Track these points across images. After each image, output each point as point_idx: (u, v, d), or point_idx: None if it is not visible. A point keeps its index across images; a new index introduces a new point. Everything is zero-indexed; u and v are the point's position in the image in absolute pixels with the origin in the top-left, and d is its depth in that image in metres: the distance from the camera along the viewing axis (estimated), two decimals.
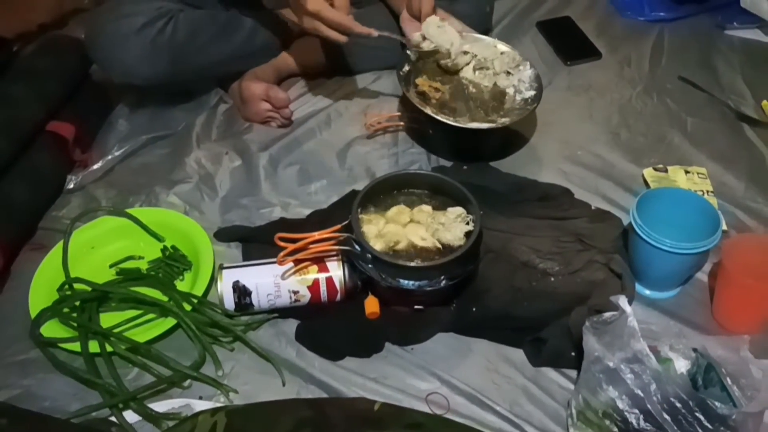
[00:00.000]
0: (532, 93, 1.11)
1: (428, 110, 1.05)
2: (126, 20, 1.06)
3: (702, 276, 0.95)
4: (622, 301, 0.73)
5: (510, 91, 1.13)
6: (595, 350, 0.74)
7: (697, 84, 1.27)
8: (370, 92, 1.27)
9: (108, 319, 0.88)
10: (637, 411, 0.70)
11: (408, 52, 1.14)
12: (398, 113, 1.18)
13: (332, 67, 1.29)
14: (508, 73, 1.14)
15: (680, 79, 1.29)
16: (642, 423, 0.70)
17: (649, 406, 0.69)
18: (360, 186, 1.00)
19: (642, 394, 0.70)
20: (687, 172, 1.07)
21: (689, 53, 1.36)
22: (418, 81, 1.11)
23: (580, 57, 1.36)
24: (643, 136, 1.18)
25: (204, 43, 1.13)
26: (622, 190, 1.07)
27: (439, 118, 1.04)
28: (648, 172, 1.08)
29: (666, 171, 1.08)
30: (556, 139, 1.18)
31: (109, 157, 1.11)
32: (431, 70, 1.14)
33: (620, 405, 0.71)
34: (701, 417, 0.67)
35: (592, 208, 1.04)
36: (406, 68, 1.13)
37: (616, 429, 0.72)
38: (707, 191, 1.04)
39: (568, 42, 1.39)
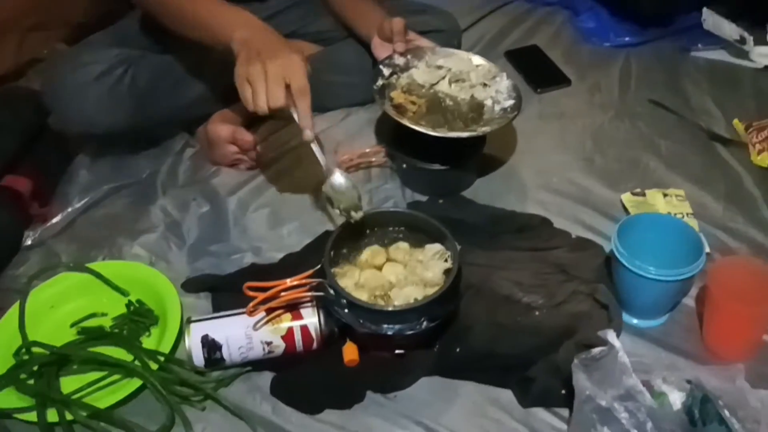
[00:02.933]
0: (511, 102, 1.09)
1: (405, 121, 1.02)
2: (83, 69, 1.03)
3: (689, 301, 0.92)
4: (611, 335, 0.70)
5: (488, 102, 1.10)
6: (586, 389, 0.70)
7: (668, 106, 1.27)
8: (341, 130, 1.25)
9: (69, 384, 0.82)
10: None
11: (381, 67, 1.12)
12: (370, 149, 1.15)
13: None
14: (485, 84, 1.12)
15: (650, 102, 1.29)
16: None
17: None
18: (334, 226, 0.97)
19: None
20: (665, 195, 1.06)
21: (657, 76, 1.37)
22: (393, 94, 1.09)
23: (550, 84, 1.36)
24: (618, 161, 1.17)
25: (166, 88, 1.11)
26: (601, 216, 1.06)
27: (416, 128, 1.01)
28: (626, 197, 1.06)
29: (644, 195, 1.06)
30: (531, 167, 1.16)
31: (70, 209, 1.06)
32: (406, 85, 1.12)
33: None
34: None
35: (573, 236, 1.01)
36: (380, 83, 1.10)
37: None
38: (687, 213, 1.03)
39: (537, 70, 1.39)
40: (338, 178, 0.91)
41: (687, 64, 1.40)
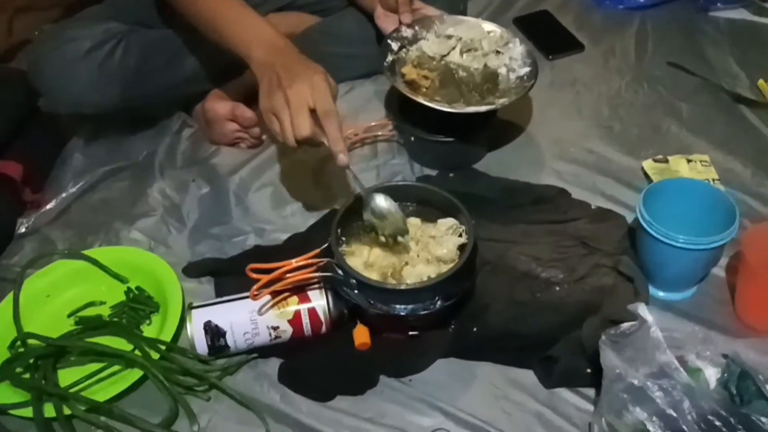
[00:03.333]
0: (527, 69, 1.03)
1: (420, 99, 0.96)
2: (70, 45, 0.98)
3: (719, 271, 0.87)
4: (642, 309, 0.65)
5: (502, 71, 1.04)
6: (615, 367, 0.65)
7: (688, 69, 1.21)
8: (344, 104, 1.19)
9: (67, 376, 0.78)
10: None
11: (389, 41, 1.06)
12: (376, 123, 1.10)
13: None
14: (498, 52, 1.06)
15: (669, 65, 1.23)
16: None
17: (684, 426, 0.61)
18: (340, 204, 0.92)
19: (674, 414, 0.62)
20: (689, 161, 1.00)
21: (675, 39, 1.30)
22: (405, 70, 1.03)
23: (562, 51, 1.29)
24: (638, 127, 1.11)
25: (159, 65, 1.05)
26: (622, 185, 1.00)
27: (432, 105, 0.95)
28: (648, 165, 1.01)
29: (667, 161, 1.01)
30: (545, 137, 1.10)
31: (64, 194, 1.02)
32: (416, 59, 1.05)
33: (651, 428, 0.62)
34: None
35: (592, 207, 0.96)
36: (390, 58, 1.04)
37: None
38: (713, 179, 0.97)
39: (548, 36, 1.32)
40: (380, 202, 0.80)
41: (706, 25, 1.33)
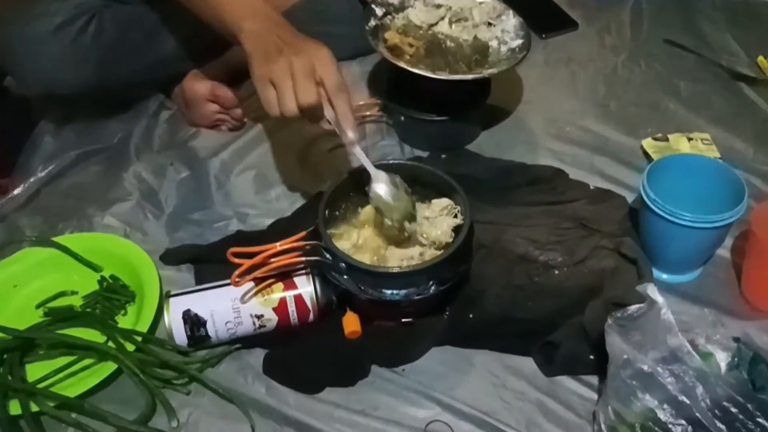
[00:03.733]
0: (519, 42, 0.98)
1: (402, 64, 0.91)
2: (40, 20, 0.91)
3: (723, 252, 0.84)
4: (651, 290, 0.61)
5: (493, 43, 0.99)
6: (623, 352, 0.62)
7: (686, 46, 1.17)
8: None
9: (35, 371, 0.73)
10: (683, 421, 0.58)
11: (372, 6, 1.00)
12: (364, 103, 1.05)
13: None
14: (490, 24, 1.01)
15: (666, 43, 1.19)
16: None
17: (697, 414, 0.57)
18: (327, 187, 0.87)
19: (687, 400, 0.58)
20: (690, 139, 0.97)
21: (671, 16, 1.27)
22: (388, 35, 0.98)
23: (556, 29, 1.25)
24: (635, 106, 1.07)
25: (136, 43, 0.99)
26: (621, 165, 0.96)
27: (415, 71, 0.90)
28: (647, 143, 0.97)
29: (667, 140, 0.97)
30: (540, 116, 1.06)
31: (33, 179, 0.95)
32: (401, 27, 1.00)
33: (662, 416, 0.59)
34: (765, 422, 0.55)
35: (591, 188, 0.93)
36: (372, 23, 0.99)
37: None
38: (714, 158, 0.93)
39: (540, 14, 1.27)
40: (387, 185, 0.74)
41: (702, 2, 1.29)
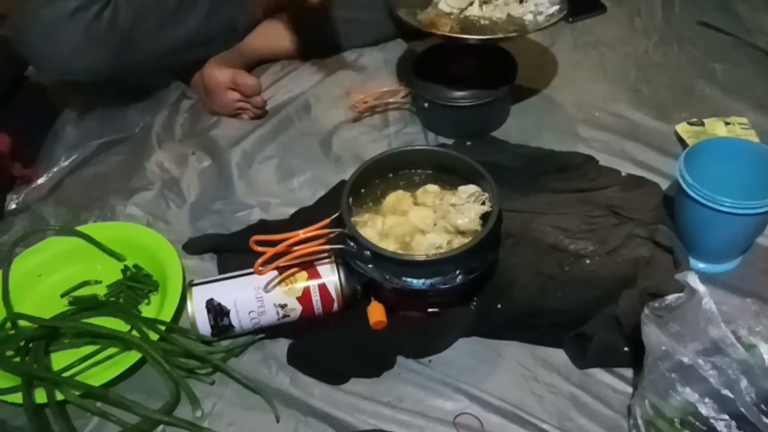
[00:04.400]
0: (557, 7, 0.95)
1: (440, 31, 0.90)
2: (55, 5, 0.90)
3: (763, 241, 0.80)
4: (692, 278, 0.58)
5: (528, 17, 0.96)
6: (661, 344, 0.59)
7: (720, 27, 1.13)
8: (352, 72, 1.12)
9: (60, 360, 0.73)
10: (726, 416, 0.55)
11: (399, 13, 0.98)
12: (388, 89, 1.03)
13: (307, 50, 1.14)
14: (521, 1, 0.98)
15: (699, 24, 1.15)
16: (735, 431, 0.55)
17: (741, 408, 0.54)
18: (349, 176, 0.85)
19: (730, 394, 0.55)
20: (727, 123, 0.93)
21: None
22: (422, 17, 0.96)
23: (583, 12, 1.22)
24: (668, 90, 1.03)
25: (152, 28, 0.98)
26: (654, 151, 0.93)
27: (456, 35, 0.88)
28: (682, 128, 0.93)
29: (702, 125, 0.93)
30: (569, 102, 1.03)
31: (56, 169, 0.96)
32: (433, 16, 0.97)
33: (703, 410, 0.56)
34: None
35: (623, 174, 0.89)
36: (404, 10, 0.96)
37: None
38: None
39: None
40: None
41: None
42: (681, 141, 0.93)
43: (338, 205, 0.72)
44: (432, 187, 0.76)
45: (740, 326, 0.63)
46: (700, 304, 0.57)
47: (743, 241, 0.76)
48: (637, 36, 1.15)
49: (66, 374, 0.71)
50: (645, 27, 1.17)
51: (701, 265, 0.78)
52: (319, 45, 1.15)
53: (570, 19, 1.20)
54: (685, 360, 0.57)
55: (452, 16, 0.96)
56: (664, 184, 0.86)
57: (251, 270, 0.72)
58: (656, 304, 0.62)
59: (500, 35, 0.90)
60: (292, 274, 0.73)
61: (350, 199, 0.74)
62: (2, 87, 0.97)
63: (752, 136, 0.91)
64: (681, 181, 0.72)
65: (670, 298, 0.62)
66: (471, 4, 0.97)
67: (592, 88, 1.05)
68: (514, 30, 0.93)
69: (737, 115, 0.95)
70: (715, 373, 0.56)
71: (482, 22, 0.95)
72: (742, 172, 0.74)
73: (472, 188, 0.74)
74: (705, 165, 0.74)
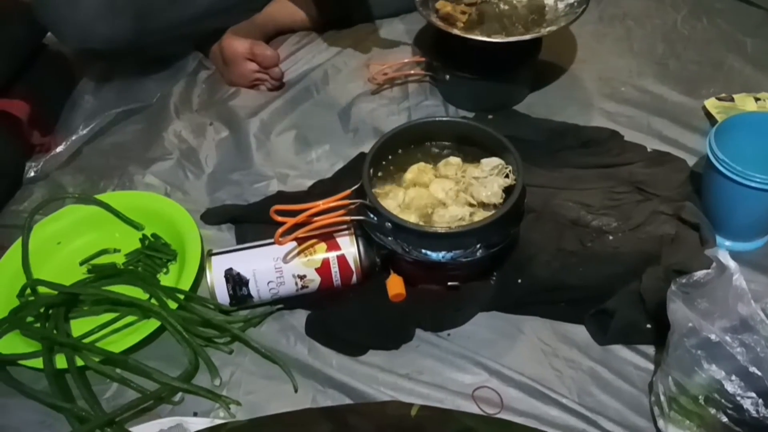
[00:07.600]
0: None
1: (456, 31, 0.88)
2: None
3: None
4: (723, 255, 0.57)
5: (549, 2, 0.94)
6: (688, 320, 0.58)
7: (751, 0, 1.09)
8: (371, 43, 1.10)
9: (80, 326, 0.73)
10: (753, 394, 0.54)
11: None
12: (408, 60, 1.01)
13: (325, 21, 1.13)
14: None
15: None
16: (763, 410, 0.54)
17: None
18: (368, 148, 0.84)
19: (758, 372, 0.54)
20: (757, 99, 0.91)
21: None
22: (439, 5, 0.94)
23: None
24: (697, 64, 1.01)
25: None
26: (681, 126, 0.91)
27: (471, 36, 0.87)
28: (711, 103, 0.91)
29: (732, 100, 0.91)
30: (594, 76, 1.01)
31: (75, 137, 0.95)
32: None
33: (729, 388, 0.55)
34: None
35: (648, 150, 0.87)
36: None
37: (725, 418, 0.56)
38: None
39: None
40: None
41: None
42: (709, 116, 0.91)
43: (357, 178, 0.71)
44: (454, 159, 0.75)
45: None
46: (730, 281, 0.56)
47: None
48: (665, 9, 1.12)
49: (85, 341, 0.71)
50: (673, 0, 1.13)
51: (728, 243, 0.76)
52: (338, 16, 1.13)
53: None
54: (713, 337, 0.56)
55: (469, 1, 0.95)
56: (691, 161, 0.84)
57: (270, 240, 0.71)
58: (683, 281, 0.61)
59: (515, 38, 0.87)
60: (312, 245, 0.72)
61: (371, 171, 0.72)
62: (21, 55, 0.97)
63: None
64: (711, 156, 0.70)
65: (699, 274, 0.60)
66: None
67: (618, 63, 1.03)
68: (532, 19, 0.92)
69: None
70: (742, 350, 0.55)
71: (502, 6, 0.93)
72: None
73: (495, 161, 0.73)
74: (735, 140, 0.72)
